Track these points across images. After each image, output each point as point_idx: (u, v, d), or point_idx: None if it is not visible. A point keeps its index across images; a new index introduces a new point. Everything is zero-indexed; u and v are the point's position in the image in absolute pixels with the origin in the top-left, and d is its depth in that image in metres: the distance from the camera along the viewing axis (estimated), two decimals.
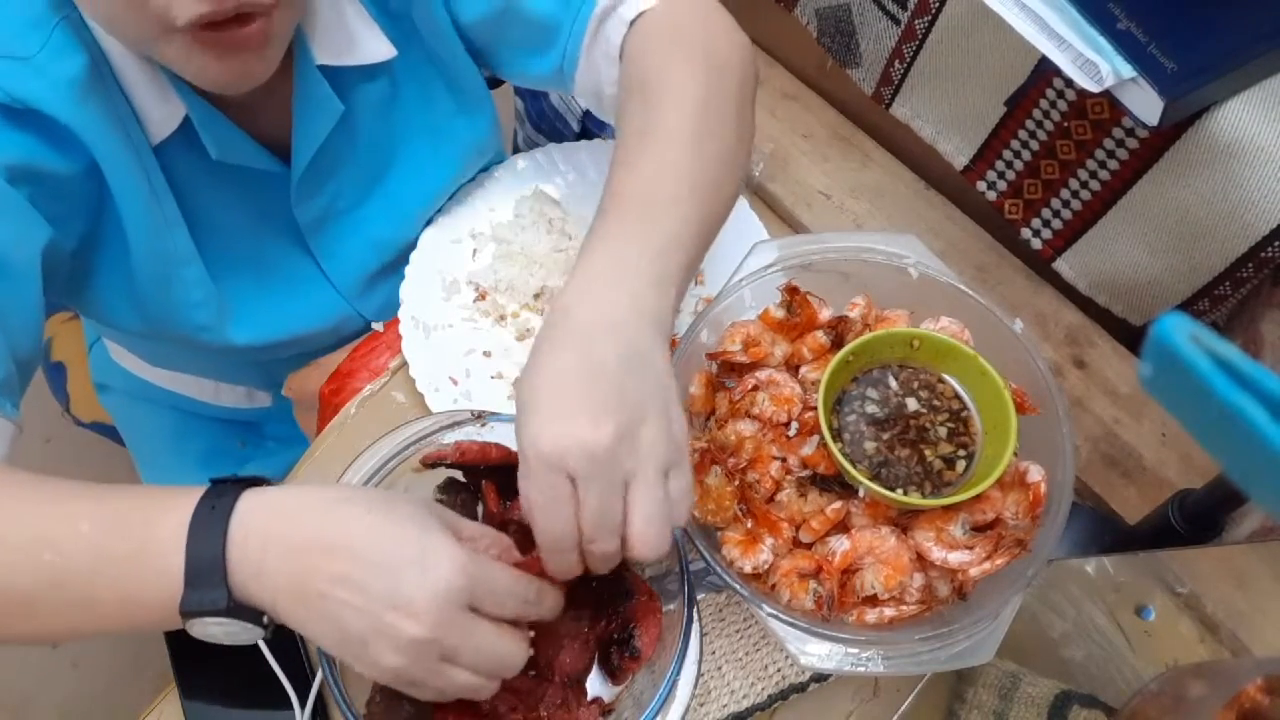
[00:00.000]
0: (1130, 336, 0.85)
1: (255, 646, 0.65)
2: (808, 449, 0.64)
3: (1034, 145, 0.82)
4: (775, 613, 0.58)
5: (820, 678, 0.68)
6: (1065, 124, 0.78)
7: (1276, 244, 0.70)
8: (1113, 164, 0.76)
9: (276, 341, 0.80)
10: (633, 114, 0.64)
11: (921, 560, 0.61)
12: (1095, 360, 0.83)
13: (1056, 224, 0.84)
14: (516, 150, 1.23)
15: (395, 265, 0.85)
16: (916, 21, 0.84)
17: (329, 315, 0.83)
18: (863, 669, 0.58)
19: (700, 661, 0.57)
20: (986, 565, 0.59)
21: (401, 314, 0.81)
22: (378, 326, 0.84)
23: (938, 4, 0.81)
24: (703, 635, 0.61)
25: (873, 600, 0.60)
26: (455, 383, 0.78)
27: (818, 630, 0.58)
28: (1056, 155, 0.80)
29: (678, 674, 0.55)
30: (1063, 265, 0.85)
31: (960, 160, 0.88)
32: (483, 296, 0.83)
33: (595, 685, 0.61)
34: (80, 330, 1.10)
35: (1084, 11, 0.69)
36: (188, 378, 0.98)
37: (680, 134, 0.61)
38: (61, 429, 1.21)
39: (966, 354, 0.63)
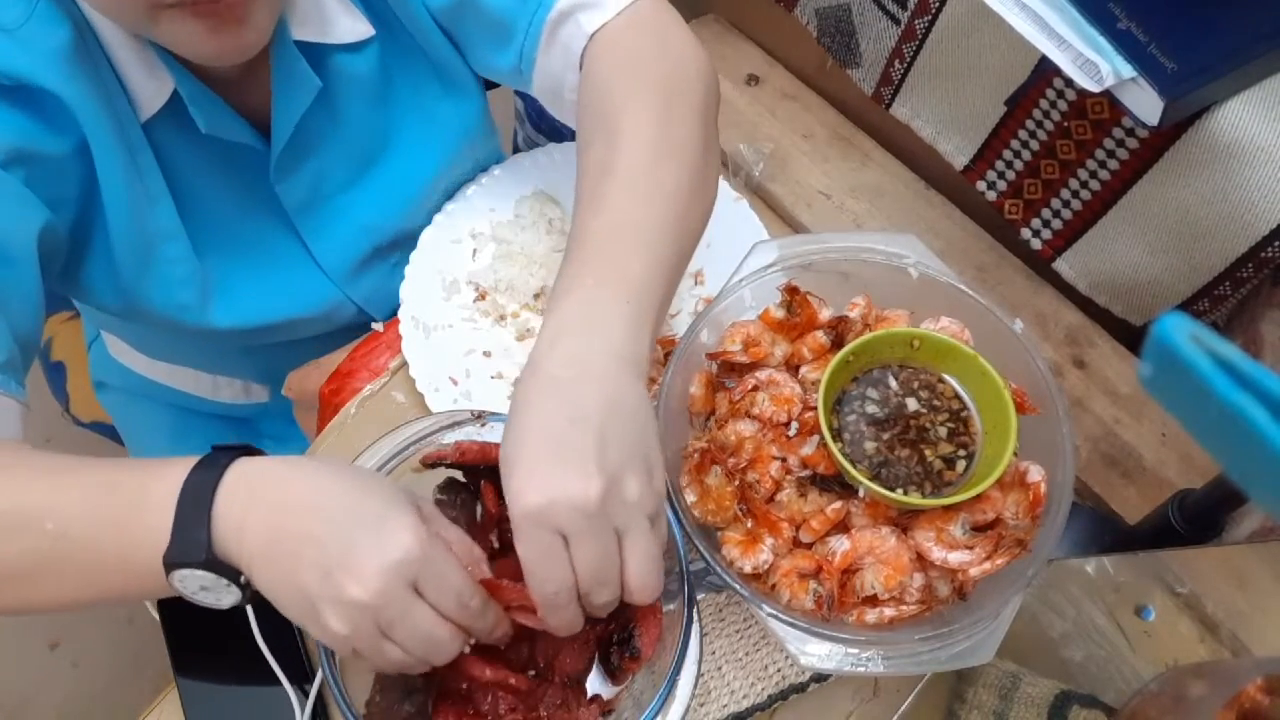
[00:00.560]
0: (1130, 336, 0.85)
1: (255, 647, 0.66)
2: (808, 449, 0.64)
3: (1034, 145, 0.82)
4: (775, 613, 0.58)
5: (820, 678, 0.68)
6: (1065, 124, 0.78)
7: (1276, 244, 0.70)
8: (1113, 164, 0.76)
9: (262, 325, 0.80)
10: (593, 150, 0.63)
11: (921, 560, 0.61)
12: (1095, 360, 0.83)
13: (1056, 224, 0.84)
14: (516, 150, 1.23)
15: (385, 251, 0.85)
16: (916, 21, 0.84)
17: (317, 299, 0.83)
18: (863, 669, 0.58)
19: (700, 661, 0.57)
20: (986, 565, 0.59)
21: (401, 314, 0.81)
22: (377, 326, 0.84)
23: (938, 4, 0.81)
24: (703, 635, 0.61)
25: (873, 600, 0.60)
26: (455, 383, 0.78)
27: (818, 630, 0.58)
28: (1056, 155, 0.80)
29: (678, 674, 0.55)
30: (1063, 265, 0.85)
31: (960, 160, 0.88)
32: (483, 296, 0.83)
33: (595, 685, 0.61)
34: (80, 330, 1.10)
35: (1084, 11, 0.69)
36: (184, 372, 0.98)
37: (641, 170, 0.60)
38: (61, 429, 1.21)
39: (966, 354, 0.63)
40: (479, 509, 0.63)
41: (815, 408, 0.62)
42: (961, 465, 0.63)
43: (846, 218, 0.91)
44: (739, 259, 0.70)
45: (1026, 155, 0.83)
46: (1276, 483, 0.26)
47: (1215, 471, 0.70)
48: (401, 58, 0.75)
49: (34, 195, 0.60)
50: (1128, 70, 0.67)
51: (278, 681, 0.65)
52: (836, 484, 0.63)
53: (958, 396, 0.65)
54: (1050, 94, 0.77)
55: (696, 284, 0.84)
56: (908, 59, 0.87)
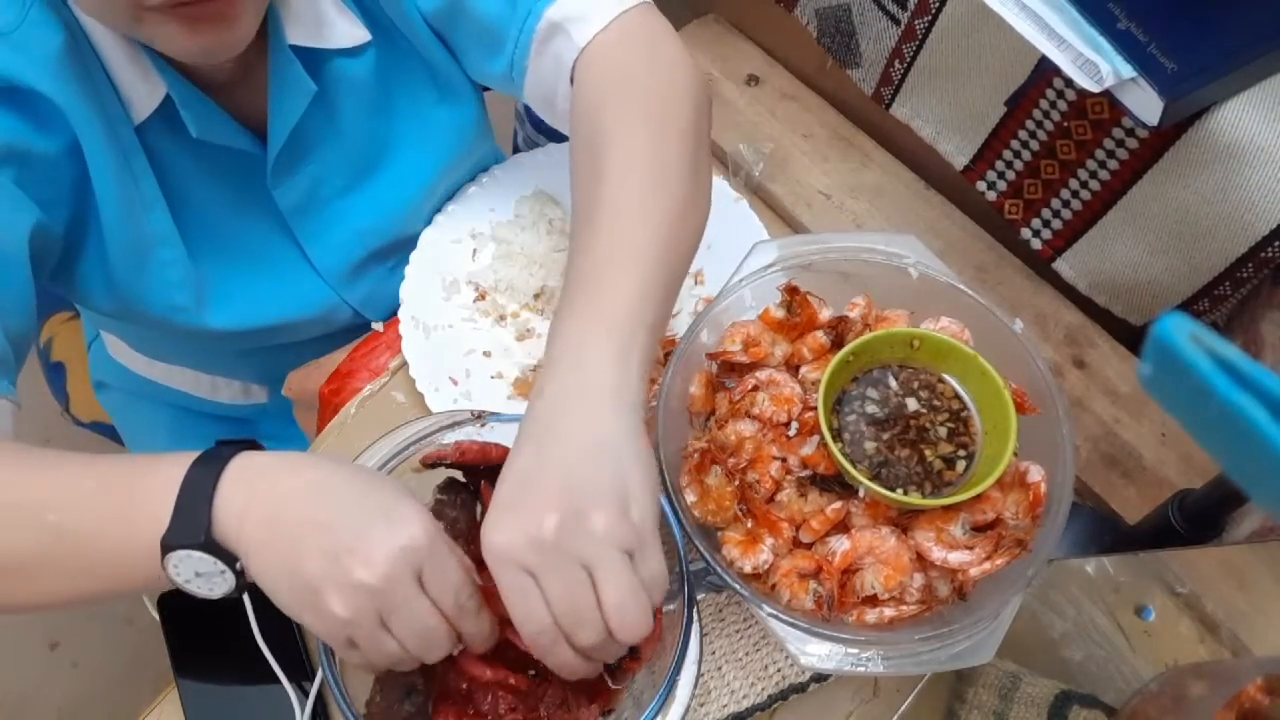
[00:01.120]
0: (1130, 336, 0.85)
1: (255, 647, 0.66)
2: (808, 449, 0.64)
3: (1034, 145, 0.82)
4: (775, 613, 0.58)
5: (820, 678, 0.68)
6: (1065, 124, 0.78)
7: (1276, 244, 0.70)
8: (1113, 164, 0.76)
9: (258, 327, 0.80)
10: (583, 179, 0.64)
11: (921, 560, 0.61)
12: (1095, 360, 0.83)
13: (1056, 224, 0.84)
14: (516, 150, 1.23)
15: (382, 254, 0.85)
16: (916, 21, 0.84)
17: (314, 302, 0.83)
18: (863, 669, 0.58)
19: (700, 661, 0.57)
20: (986, 565, 0.59)
21: (401, 314, 0.81)
22: (377, 326, 0.84)
23: (938, 4, 0.81)
24: (703, 635, 0.61)
25: (873, 600, 0.60)
26: (455, 383, 0.78)
27: (818, 630, 0.58)
28: (1056, 155, 0.80)
29: (678, 674, 0.55)
30: (1063, 265, 0.85)
31: (960, 160, 0.88)
32: (483, 296, 0.83)
33: (595, 685, 0.61)
34: (80, 330, 1.10)
35: (1084, 11, 0.69)
36: (183, 372, 0.98)
37: (628, 200, 0.60)
38: (61, 429, 1.21)
39: (966, 354, 0.63)
40: (479, 509, 0.63)
41: (815, 408, 0.62)
42: (961, 465, 0.63)
43: (846, 218, 0.91)
44: (739, 259, 0.70)
45: (1026, 155, 0.83)
46: (1276, 483, 0.26)
47: (1215, 471, 0.70)
48: (398, 63, 0.75)
49: (24, 195, 0.60)
50: (1128, 70, 0.67)
51: (278, 681, 0.65)
52: (836, 484, 0.63)
53: (958, 396, 0.65)
54: (1050, 94, 0.77)
55: (696, 284, 0.84)
56: (908, 59, 0.87)
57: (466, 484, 0.64)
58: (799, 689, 0.68)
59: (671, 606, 0.59)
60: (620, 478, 0.51)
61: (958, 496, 0.59)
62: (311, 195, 0.77)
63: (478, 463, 0.61)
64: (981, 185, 0.88)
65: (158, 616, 0.69)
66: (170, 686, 0.67)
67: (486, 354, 0.80)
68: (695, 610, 0.58)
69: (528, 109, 1.15)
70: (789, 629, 0.58)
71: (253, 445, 0.53)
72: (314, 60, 0.70)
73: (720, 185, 0.88)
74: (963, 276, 0.68)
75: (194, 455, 0.51)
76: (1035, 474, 0.61)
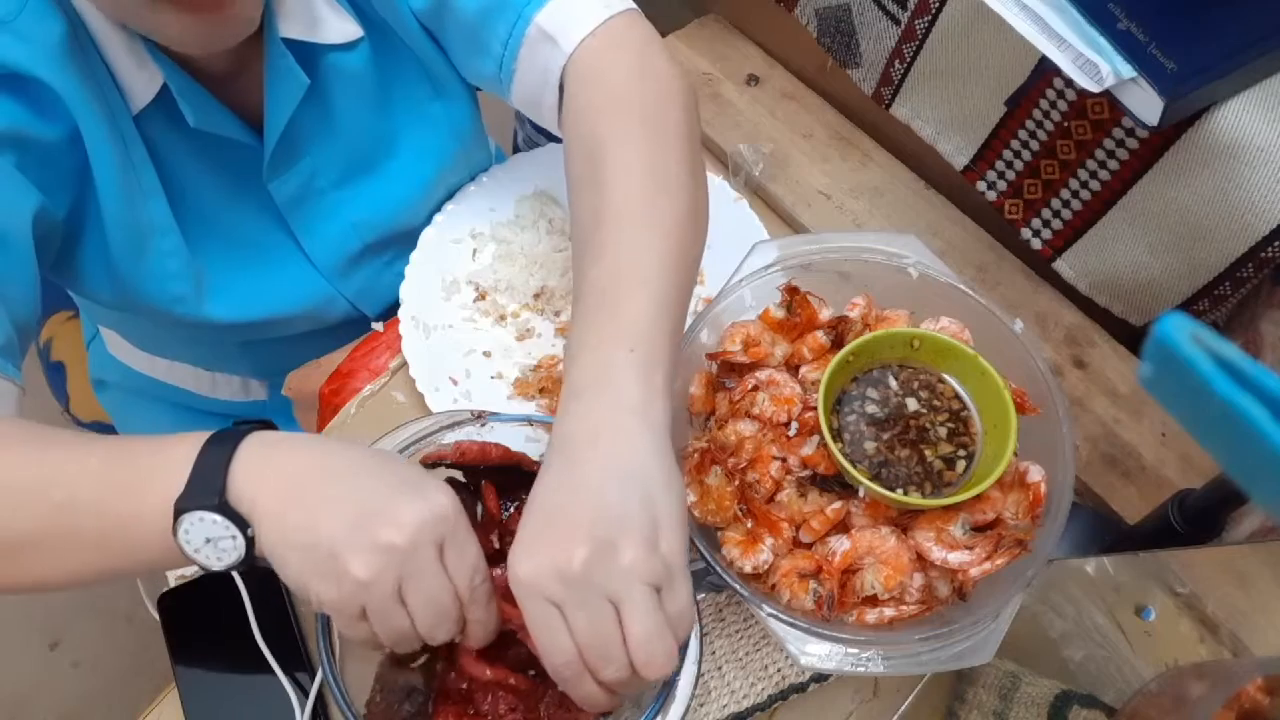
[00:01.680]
0: (1130, 336, 0.85)
1: (255, 646, 0.66)
2: (808, 449, 0.64)
3: (1034, 145, 0.82)
4: (775, 613, 0.58)
5: (820, 678, 0.68)
6: (1065, 124, 0.78)
7: (1276, 244, 0.70)
8: (1113, 164, 0.76)
9: (256, 320, 0.80)
10: (583, 196, 0.64)
11: (921, 560, 0.61)
12: (1095, 360, 0.83)
13: (1056, 224, 0.84)
14: (516, 150, 1.23)
15: (378, 248, 0.85)
16: (916, 21, 0.84)
17: (309, 295, 0.83)
18: (863, 669, 0.58)
19: (700, 661, 0.57)
20: (986, 565, 0.58)
21: (401, 314, 0.81)
22: (377, 326, 0.84)
23: (938, 4, 0.81)
24: (703, 635, 0.61)
25: (873, 600, 0.60)
26: (455, 383, 0.78)
27: (818, 630, 0.58)
28: (1056, 155, 0.80)
29: (678, 674, 0.55)
30: (1063, 265, 0.85)
31: (960, 160, 0.88)
32: (483, 296, 0.83)
33: None
34: (79, 330, 1.10)
35: (1084, 11, 0.69)
36: (183, 368, 0.98)
37: (633, 212, 0.60)
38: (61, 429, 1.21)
39: (966, 354, 0.63)
40: (479, 509, 0.63)
41: (815, 408, 0.62)
42: (961, 465, 0.63)
43: (846, 218, 0.91)
44: (739, 259, 0.70)
45: (1026, 155, 0.83)
46: (1276, 483, 0.26)
47: (1215, 471, 0.69)
48: (392, 59, 0.76)
49: (26, 180, 0.60)
50: (1128, 70, 0.67)
51: (278, 681, 0.65)
52: (836, 484, 0.63)
53: (958, 396, 0.65)
54: (1050, 94, 0.77)
55: (697, 284, 0.84)
56: (908, 59, 0.87)
57: (466, 484, 0.64)
58: (799, 689, 0.68)
59: None
60: (650, 508, 0.51)
61: (958, 496, 0.59)
62: (307, 188, 0.78)
63: (478, 463, 0.62)
64: (981, 185, 0.88)
65: (158, 616, 0.69)
66: (170, 686, 0.67)
67: (486, 354, 0.80)
68: (695, 610, 0.58)
69: None
70: (789, 629, 0.58)
71: (268, 426, 0.53)
72: (308, 54, 0.70)
73: (720, 185, 0.88)
74: (963, 276, 0.68)
75: (207, 434, 0.51)
76: (1035, 474, 0.61)
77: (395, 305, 0.82)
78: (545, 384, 0.78)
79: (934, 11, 0.81)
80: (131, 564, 0.53)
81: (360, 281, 0.86)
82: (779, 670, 0.68)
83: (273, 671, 0.65)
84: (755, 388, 0.66)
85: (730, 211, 0.86)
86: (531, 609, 0.49)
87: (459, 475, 0.63)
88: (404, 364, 0.80)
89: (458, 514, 0.51)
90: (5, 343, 0.58)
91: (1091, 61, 0.68)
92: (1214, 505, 0.69)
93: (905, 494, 0.60)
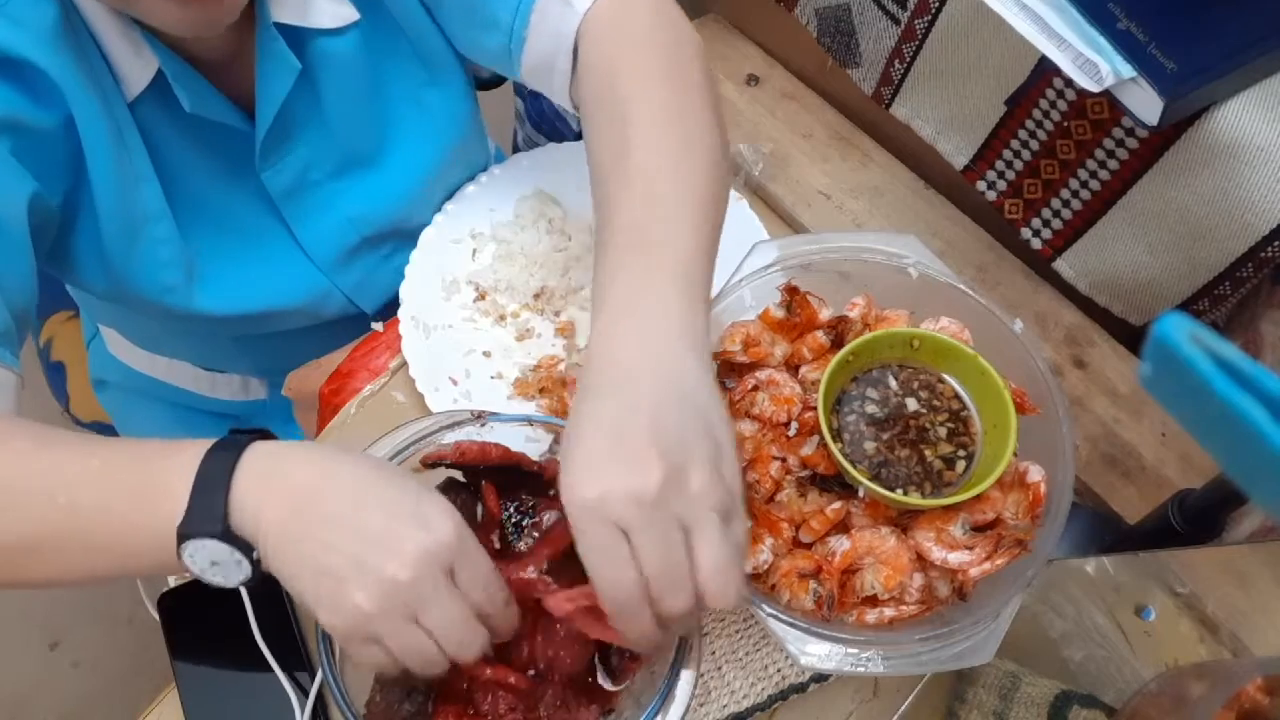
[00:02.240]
0: (1130, 336, 0.85)
1: (255, 647, 0.66)
2: (808, 449, 0.64)
3: (1034, 145, 0.82)
4: (775, 613, 0.58)
5: (820, 678, 0.68)
6: (1065, 124, 0.78)
7: (1276, 244, 0.70)
8: (1113, 164, 0.76)
9: (248, 313, 0.80)
10: (606, 135, 0.62)
11: (921, 560, 0.61)
12: (1095, 360, 0.83)
13: (1056, 224, 0.84)
14: (516, 150, 1.23)
15: (375, 241, 0.85)
16: (916, 21, 0.84)
17: (304, 289, 0.83)
18: (863, 669, 0.58)
19: (700, 661, 0.57)
20: (986, 565, 0.58)
21: (401, 314, 0.81)
22: (377, 326, 0.84)
23: (938, 4, 0.81)
24: (703, 635, 0.61)
25: (873, 600, 0.60)
26: (455, 383, 0.78)
27: (818, 630, 0.58)
28: (1056, 155, 0.80)
29: (677, 674, 0.55)
30: (1063, 265, 0.85)
31: (960, 160, 0.88)
32: (483, 296, 0.83)
33: (595, 685, 0.61)
34: (79, 330, 1.10)
35: (1084, 11, 0.69)
36: (182, 367, 0.98)
37: (661, 147, 0.59)
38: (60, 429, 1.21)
39: (966, 354, 0.63)
40: (479, 509, 0.63)
41: (815, 408, 0.62)
42: (961, 465, 0.63)
43: (846, 218, 0.91)
44: (739, 259, 0.70)
45: (1026, 155, 0.83)
46: (1276, 483, 0.26)
47: (1215, 471, 0.69)
48: (384, 43, 0.75)
49: (21, 166, 0.60)
50: (1128, 70, 0.67)
51: (278, 681, 0.65)
52: (836, 484, 0.63)
53: (958, 396, 0.65)
54: (1050, 94, 0.77)
55: None
56: (908, 59, 0.87)
57: (466, 484, 0.64)
58: (799, 689, 0.68)
59: None
60: (710, 432, 0.49)
61: (958, 497, 0.59)
62: (301, 180, 0.77)
63: (477, 463, 0.61)
64: (981, 185, 0.88)
65: (157, 616, 0.69)
66: (170, 686, 0.67)
67: (486, 354, 0.80)
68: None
69: (528, 109, 1.15)
70: (789, 629, 0.58)
71: (265, 435, 0.52)
72: (299, 39, 0.70)
73: None
74: (963, 276, 0.68)
75: (207, 443, 0.50)
76: (1035, 474, 0.61)
77: (392, 300, 0.82)
78: (545, 384, 0.78)
79: (934, 11, 0.81)
80: (137, 569, 0.53)
81: (357, 275, 0.86)
82: (779, 670, 0.68)
83: (273, 671, 0.65)
84: (755, 388, 0.66)
85: (730, 211, 0.85)
86: (595, 535, 0.47)
87: (459, 475, 0.63)
88: (404, 364, 0.80)
89: (461, 536, 0.49)
90: (3, 331, 0.58)
91: (1091, 61, 0.68)
92: (1214, 505, 0.69)
93: (905, 494, 0.60)
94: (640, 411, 0.49)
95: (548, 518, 0.63)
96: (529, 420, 0.63)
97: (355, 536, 0.47)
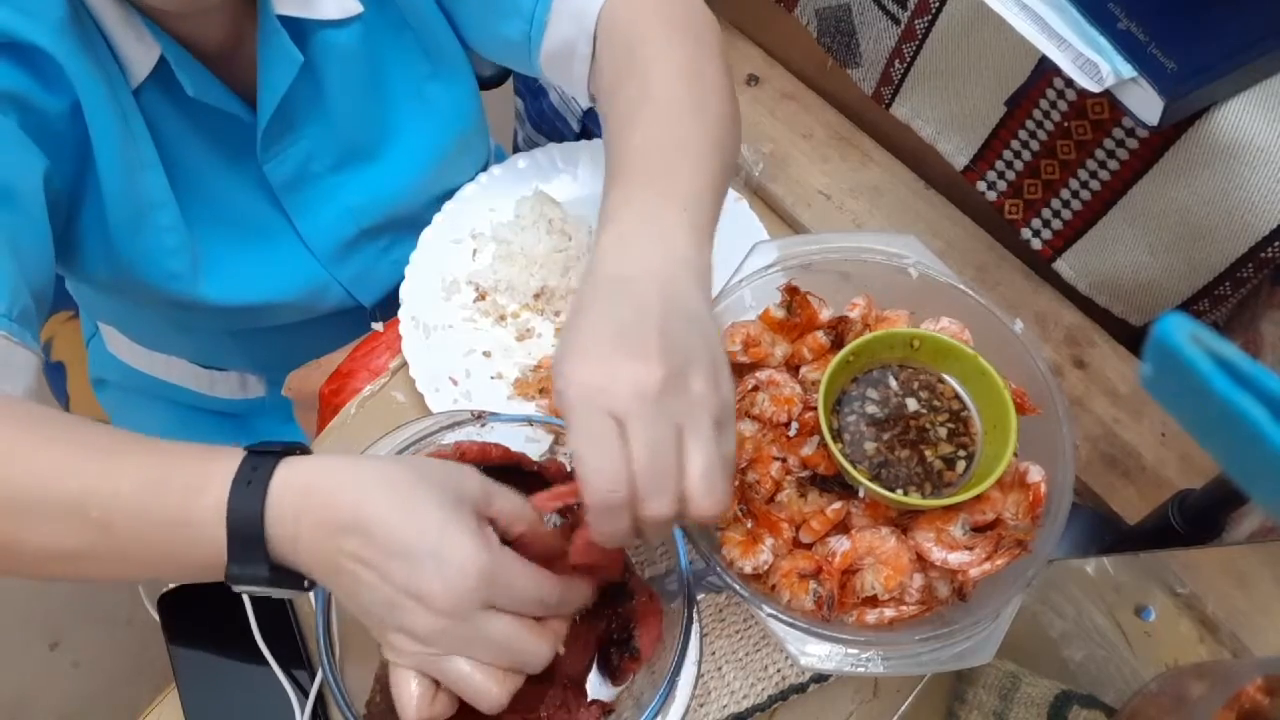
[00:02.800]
0: (1130, 336, 0.85)
1: (255, 647, 0.66)
2: (808, 449, 0.64)
3: (1034, 145, 0.82)
4: (775, 613, 0.58)
5: (820, 678, 0.68)
6: (1065, 124, 0.78)
7: (1276, 244, 0.70)
8: (1113, 164, 0.76)
9: (249, 303, 0.80)
10: (625, 85, 0.64)
11: (921, 561, 0.61)
12: (1095, 360, 0.83)
13: (1056, 224, 0.84)
14: (516, 150, 1.23)
15: (374, 233, 0.85)
16: (916, 21, 0.84)
17: (304, 280, 0.83)
18: (863, 669, 0.58)
19: (700, 661, 0.57)
20: (986, 566, 0.58)
21: (401, 314, 0.81)
22: (377, 326, 0.84)
23: (938, 4, 0.81)
24: (703, 635, 0.61)
25: (873, 601, 0.60)
26: (455, 383, 0.78)
27: (818, 631, 0.58)
28: (1056, 155, 0.80)
29: (677, 674, 0.55)
30: (1063, 265, 0.85)
31: (960, 160, 0.88)
32: (483, 296, 0.83)
33: (595, 685, 0.61)
34: (79, 331, 1.10)
35: (1084, 11, 0.69)
36: (181, 365, 0.98)
37: (679, 97, 0.61)
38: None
39: (966, 354, 0.63)
40: None
41: (815, 408, 0.62)
42: (961, 465, 0.63)
43: (846, 218, 0.91)
44: (739, 259, 0.70)
45: (1026, 155, 0.83)
46: (1276, 483, 0.26)
47: (1215, 471, 0.69)
48: (387, 36, 0.75)
49: (32, 142, 0.60)
50: (1128, 70, 0.67)
51: (278, 681, 0.65)
52: (836, 484, 0.63)
53: (958, 396, 0.65)
54: (1050, 94, 0.77)
55: None
56: (908, 59, 0.87)
57: None
58: (799, 689, 0.68)
59: (672, 606, 0.60)
60: (709, 346, 0.50)
61: (958, 497, 0.59)
62: (303, 171, 0.78)
63: (478, 463, 0.61)
64: (981, 185, 0.88)
65: (157, 616, 0.69)
66: (170, 686, 0.67)
67: (486, 354, 0.80)
68: (695, 610, 0.58)
69: (528, 109, 1.15)
70: (789, 629, 0.58)
71: (289, 449, 0.50)
72: (301, 30, 0.70)
73: None
74: (963, 276, 0.68)
75: (229, 465, 0.47)
76: (1035, 474, 0.61)
77: (390, 294, 0.82)
78: (545, 384, 0.78)
79: (934, 11, 0.81)
80: (179, 581, 0.52)
81: (356, 267, 0.86)
82: (779, 670, 0.68)
83: (273, 672, 0.65)
84: (755, 388, 0.66)
85: (730, 211, 0.86)
86: (588, 422, 0.46)
87: None
88: (404, 364, 0.80)
89: (489, 567, 0.46)
90: (23, 310, 0.57)
91: (1091, 61, 0.68)
92: (1214, 505, 0.69)
93: (905, 494, 0.60)
94: (645, 314, 0.49)
95: (548, 519, 0.63)
96: (529, 420, 0.63)
97: (384, 581, 0.46)
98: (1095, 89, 0.68)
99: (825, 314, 0.68)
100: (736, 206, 0.87)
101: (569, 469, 0.59)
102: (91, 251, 0.70)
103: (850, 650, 0.58)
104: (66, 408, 1.14)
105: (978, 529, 0.61)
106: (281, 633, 0.67)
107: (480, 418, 0.62)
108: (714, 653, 0.68)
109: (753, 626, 0.69)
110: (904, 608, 0.60)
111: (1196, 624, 0.70)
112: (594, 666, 0.61)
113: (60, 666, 1.49)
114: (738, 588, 0.59)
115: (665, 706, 0.55)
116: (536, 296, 0.83)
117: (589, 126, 1.06)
